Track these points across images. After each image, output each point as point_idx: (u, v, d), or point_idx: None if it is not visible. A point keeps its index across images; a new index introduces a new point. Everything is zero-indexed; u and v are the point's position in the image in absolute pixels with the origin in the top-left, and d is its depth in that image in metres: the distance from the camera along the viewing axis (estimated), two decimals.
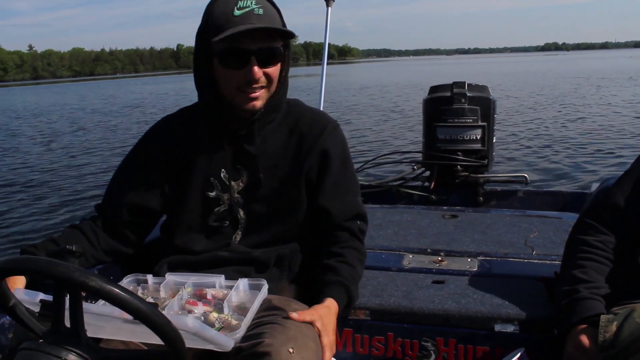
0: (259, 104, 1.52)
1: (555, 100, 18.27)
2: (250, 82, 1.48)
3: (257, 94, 1.50)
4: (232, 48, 1.45)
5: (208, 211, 1.60)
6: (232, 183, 1.58)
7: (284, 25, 1.51)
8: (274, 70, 1.51)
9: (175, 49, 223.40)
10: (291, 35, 1.50)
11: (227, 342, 1.18)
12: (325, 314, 1.42)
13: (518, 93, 21.62)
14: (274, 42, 1.49)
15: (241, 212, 1.59)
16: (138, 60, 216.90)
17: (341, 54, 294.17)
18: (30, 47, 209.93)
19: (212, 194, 1.59)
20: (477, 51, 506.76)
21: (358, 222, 1.66)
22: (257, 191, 1.58)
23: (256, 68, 1.46)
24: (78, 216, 6.16)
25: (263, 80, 1.49)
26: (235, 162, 1.58)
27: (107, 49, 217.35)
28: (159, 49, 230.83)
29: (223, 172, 1.58)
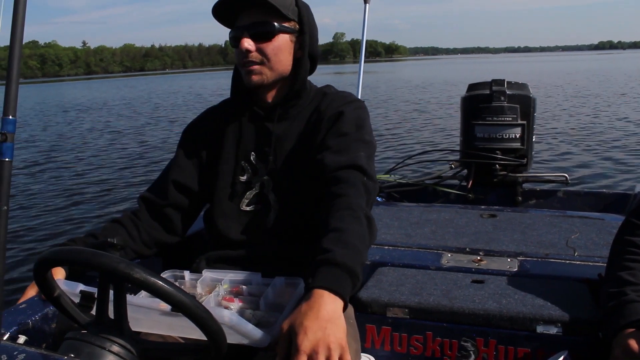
0: (256, 78, 1.52)
1: (601, 99, 17.75)
2: (244, 56, 1.50)
3: (251, 68, 1.51)
4: (234, 26, 1.52)
5: (241, 196, 1.60)
6: (260, 166, 1.59)
7: (293, 9, 1.52)
8: (269, 46, 1.50)
9: (223, 45, 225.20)
10: (285, 15, 1.49)
11: (264, 337, 1.18)
12: (296, 319, 1.11)
13: (563, 92, 21.08)
14: (270, 18, 1.49)
15: (272, 195, 1.58)
16: (187, 56, 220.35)
17: (388, 52, 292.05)
18: (84, 43, 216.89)
19: (244, 177, 1.60)
20: (527, 50, 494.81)
21: (359, 173, 1.40)
22: (283, 172, 1.57)
23: (245, 41, 1.48)
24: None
25: (256, 56, 1.50)
26: (263, 145, 1.59)
27: (157, 45, 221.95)
28: (207, 45, 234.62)
29: (253, 154, 1.60)
